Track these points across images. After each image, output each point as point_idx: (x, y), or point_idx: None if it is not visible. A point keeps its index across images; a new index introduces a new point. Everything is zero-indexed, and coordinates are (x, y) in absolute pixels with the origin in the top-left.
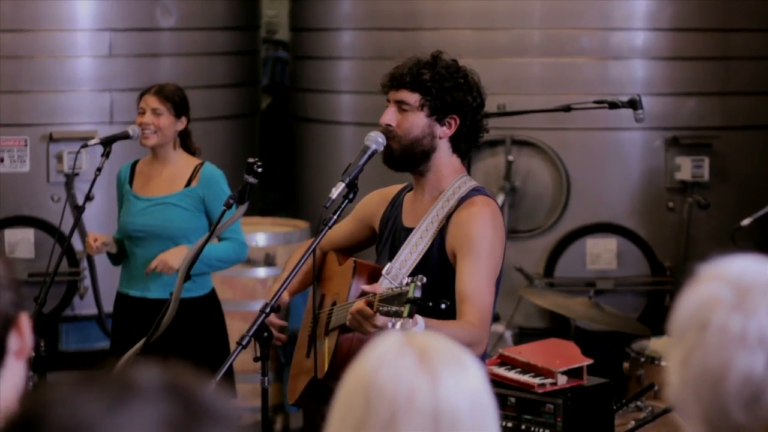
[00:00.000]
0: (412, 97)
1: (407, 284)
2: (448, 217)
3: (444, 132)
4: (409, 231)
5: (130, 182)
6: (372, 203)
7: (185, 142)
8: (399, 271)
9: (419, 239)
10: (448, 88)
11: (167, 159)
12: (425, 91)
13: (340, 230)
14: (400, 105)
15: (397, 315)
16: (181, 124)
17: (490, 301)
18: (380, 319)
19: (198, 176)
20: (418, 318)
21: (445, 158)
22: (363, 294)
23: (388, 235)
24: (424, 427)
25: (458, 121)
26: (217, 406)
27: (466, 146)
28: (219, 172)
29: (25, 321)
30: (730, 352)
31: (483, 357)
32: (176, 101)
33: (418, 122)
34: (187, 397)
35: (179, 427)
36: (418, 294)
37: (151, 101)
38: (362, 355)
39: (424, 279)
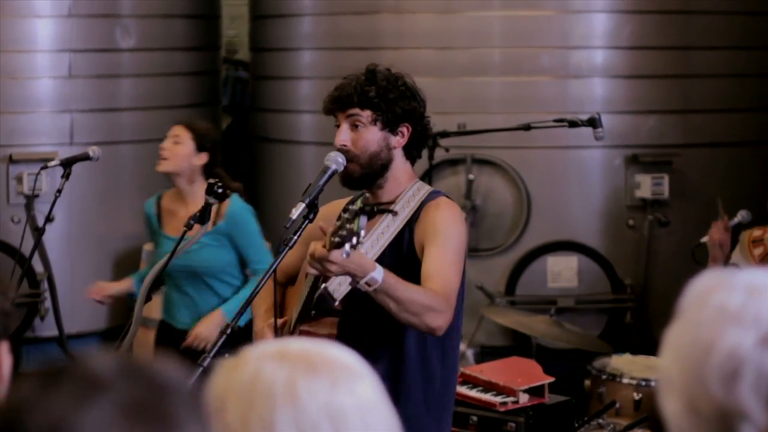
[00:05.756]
0: (364, 113)
1: (354, 206)
2: (414, 217)
3: (398, 142)
4: None
5: (159, 221)
6: (319, 222)
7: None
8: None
9: (380, 234)
10: (394, 99)
11: (187, 195)
12: (375, 107)
13: (292, 256)
14: (353, 122)
15: (351, 234)
16: (200, 159)
17: (456, 282)
18: (335, 254)
19: (223, 212)
20: (377, 265)
21: (400, 167)
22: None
23: None
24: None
25: (410, 129)
26: (174, 379)
27: (417, 151)
28: (244, 206)
29: (4, 350)
30: (723, 327)
31: (449, 334)
32: (200, 134)
33: (372, 137)
34: (145, 376)
35: (144, 407)
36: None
37: (176, 129)
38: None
39: (368, 196)
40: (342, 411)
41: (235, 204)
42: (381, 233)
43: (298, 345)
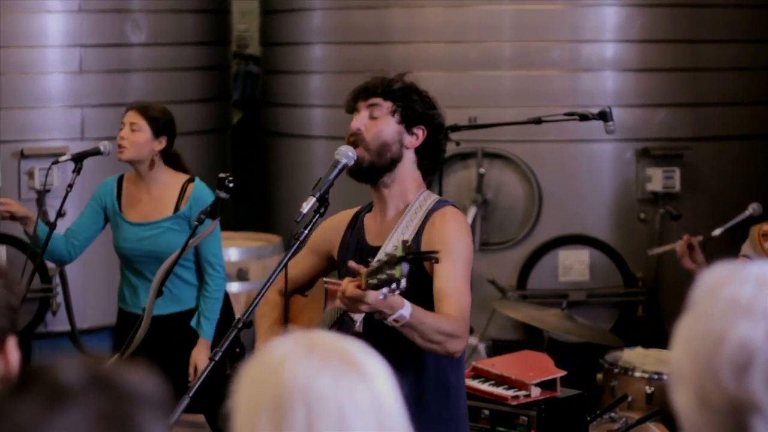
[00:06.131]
0: (385, 104)
1: (393, 249)
2: (421, 227)
3: (411, 142)
4: (377, 249)
5: (118, 202)
6: (326, 232)
7: (174, 163)
8: None
9: (392, 249)
10: (416, 99)
11: (150, 179)
12: (397, 99)
13: (299, 267)
14: (372, 111)
15: (390, 279)
16: (159, 144)
17: (468, 298)
18: (371, 296)
19: (186, 197)
20: (405, 302)
21: (409, 171)
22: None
23: (353, 256)
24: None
25: (425, 132)
26: (143, 388)
27: (429, 164)
28: (208, 192)
29: (11, 345)
30: (734, 319)
31: (462, 354)
32: (156, 119)
33: (388, 128)
34: (114, 386)
35: (113, 418)
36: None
37: (131, 117)
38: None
39: (407, 237)
40: (320, 398)
41: (200, 189)
42: (393, 247)
43: (328, 336)
